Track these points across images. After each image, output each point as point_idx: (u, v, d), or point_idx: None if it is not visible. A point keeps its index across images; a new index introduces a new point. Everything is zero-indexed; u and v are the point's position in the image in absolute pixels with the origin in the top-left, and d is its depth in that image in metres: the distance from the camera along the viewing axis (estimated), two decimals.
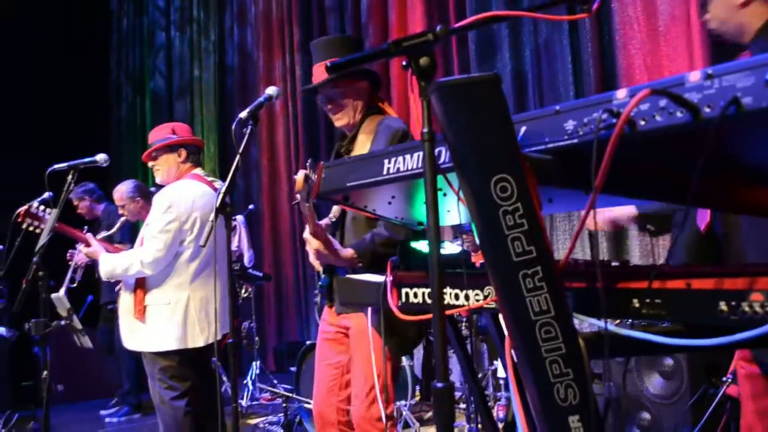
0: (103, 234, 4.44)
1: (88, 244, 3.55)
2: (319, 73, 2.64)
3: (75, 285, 4.22)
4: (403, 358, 4.25)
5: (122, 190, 4.68)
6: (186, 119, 8.82)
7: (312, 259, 2.50)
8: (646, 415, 3.34)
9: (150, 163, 3.61)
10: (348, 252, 2.45)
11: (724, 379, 2.93)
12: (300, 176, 2.15)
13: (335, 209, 2.67)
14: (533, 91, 5.38)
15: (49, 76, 8.69)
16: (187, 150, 3.59)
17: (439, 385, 1.16)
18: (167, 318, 3.32)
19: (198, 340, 3.33)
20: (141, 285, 3.38)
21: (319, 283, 2.71)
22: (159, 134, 3.58)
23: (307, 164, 2.15)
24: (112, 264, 3.37)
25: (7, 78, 7.93)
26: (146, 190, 4.71)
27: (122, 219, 4.56)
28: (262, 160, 8.16)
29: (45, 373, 2.87)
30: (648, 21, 4.62)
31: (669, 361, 3.25)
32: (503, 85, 4.53)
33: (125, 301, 3.44)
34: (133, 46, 9.92)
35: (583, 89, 5.04)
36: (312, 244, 2.39)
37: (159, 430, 3.44)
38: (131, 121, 9.72)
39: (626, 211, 2.65)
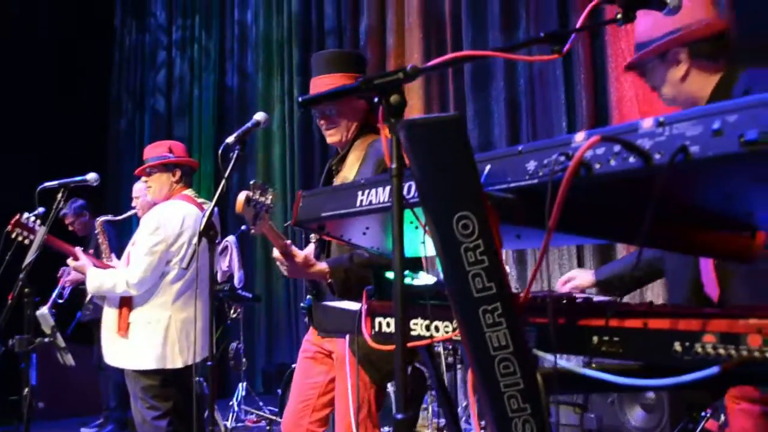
0: (110, 218, 4.43)
1: (76, 258, 3.57)
2: (317, 86, 2.63)
3: (62, 302, 4.23)
4: (388, 384, 4.24)
5: (142, 185, 4.69)
6: (184, 138, 8.88)
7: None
8: None
9: (143, 179, 3.65)
10: (321, 266, 2.46)
11: (703, 413, 2.94)
12: (241, 198, 2.16)
13: None
14: (527, 120, 5.43)
15: (50, 90, 8.75)
16: (182, 170, 3.62)
17: (399, 416, 1.18)
18: (148, 337, 3.33)
19: (177, 361, 3.34)
20: (126, 302, 3.39)
21: (302, 304, 2.72)
22: (155, 151, 3.62)
23: (251, 184, 2.15)
24: (99, 280, 3.39)
25: (7, 90, 7.99)
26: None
27: (131, 212, 4.55)
28: (257, 180, 8.19)
29: (26, 389, 2.88)
30: None
31: (650, 395, 3.26)
32: (497, 113, 4.58)
33: (109, 317, 3.45)
34: (134, 63, 10.00)
35: (576, 119, 5.10)
36: (282, 262, 2.42)
37: None
38: (130, 137, 9.77)
39: (585, 279, 2.64)
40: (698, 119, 0.92)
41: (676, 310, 1.10)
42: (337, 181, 2.64)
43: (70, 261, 3.60)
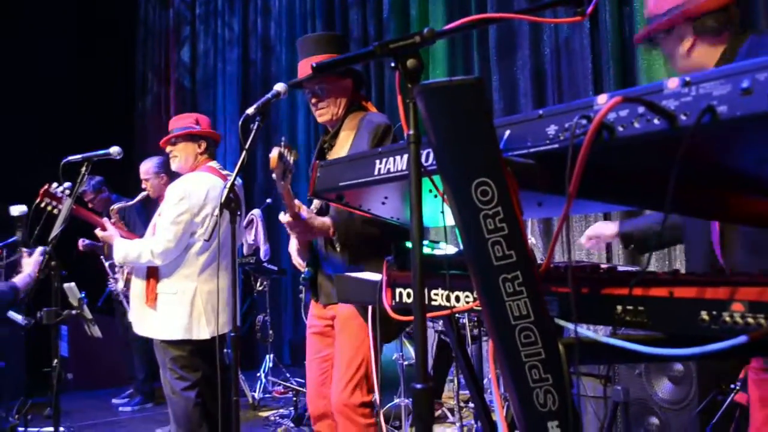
0: (122, 204, 4.48)
1: (104, 228, 3.62)
2: (305, 69, 2.72)
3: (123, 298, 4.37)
4: (413, 355, 4.25)
5: (148, 165, 4.71)
6: (209, 112, 8.89)
7: (295, 257, 2.56)
8: (655, 420, 3.31)
9: (168, 148, 3.67)
10: (325, 220, 2.52)
11: (733, 386, 2.89)
12: (274, 154, 2.22)
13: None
14: (552, 89, 5.34)
15: (75, 68, 8.80)
16: (207, 142, 3.65)
17: (419, 386, 1.16)
18: (174, 307, 3.37)
19: (203, 332, 3.37)
20: (153, 273, 3.43)
21: (302, 276, 2.74)
22: (181, 122, 3.64)
23: (281, 142, 2.19)
24: (125, 249, 3.42)
25: (32, 70, 8.05)
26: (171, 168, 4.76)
27: (143, 194, 4.58)
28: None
29: (55, 361, 2.92)
30: None
31: (679, 366, 3.21)
32: (523, 83, 4.50)
33: (137, 288, 3.50)
34: (158, 38, 10.02)
35: (603, 88, 4.99)
36: (293, 227, 2.48)
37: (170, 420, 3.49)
38: (156, 113, 9.82)
39: (609, 229, 2.67)
40: (726, 78, 0.87)
41: (703, 278, 1.06)
42: (330, 157, 2.69)
43: (97, 231, 3.64)
